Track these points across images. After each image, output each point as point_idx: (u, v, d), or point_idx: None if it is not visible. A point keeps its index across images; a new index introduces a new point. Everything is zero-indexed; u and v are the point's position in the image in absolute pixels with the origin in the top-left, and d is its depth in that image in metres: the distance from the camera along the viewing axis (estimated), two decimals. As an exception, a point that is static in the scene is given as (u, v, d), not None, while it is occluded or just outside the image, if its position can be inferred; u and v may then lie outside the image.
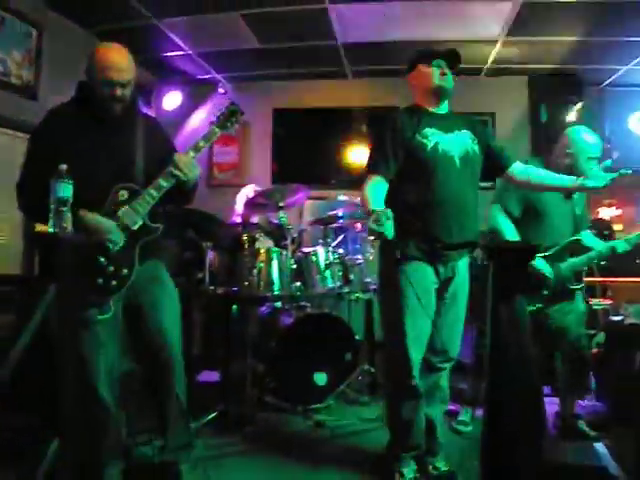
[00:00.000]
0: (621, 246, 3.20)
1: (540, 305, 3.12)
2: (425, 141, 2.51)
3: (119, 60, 2.28)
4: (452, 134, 2.57)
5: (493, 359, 1.67)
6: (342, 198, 5.34)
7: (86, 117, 2.33)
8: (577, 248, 3.22)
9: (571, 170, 3.08)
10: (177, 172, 2.29)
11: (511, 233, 3.11)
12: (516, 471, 1.41)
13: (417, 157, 2.50)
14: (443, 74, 2.56)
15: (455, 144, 2.55)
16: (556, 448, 1.26)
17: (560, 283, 3.14)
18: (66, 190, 2.04)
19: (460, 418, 3.45)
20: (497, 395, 1.62)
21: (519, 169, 2.72)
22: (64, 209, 2.03)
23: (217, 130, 2.45)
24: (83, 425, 2.23)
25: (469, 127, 2.65)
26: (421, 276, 2.51)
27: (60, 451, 1.99)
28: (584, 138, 3.16)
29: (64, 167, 2.04)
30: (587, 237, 3.33)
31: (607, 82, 5.78)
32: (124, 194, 2.29)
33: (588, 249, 3.22)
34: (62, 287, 2.05)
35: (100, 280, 2.21)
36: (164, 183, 2.30)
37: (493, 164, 2.71)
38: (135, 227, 2.29)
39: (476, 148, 2.61)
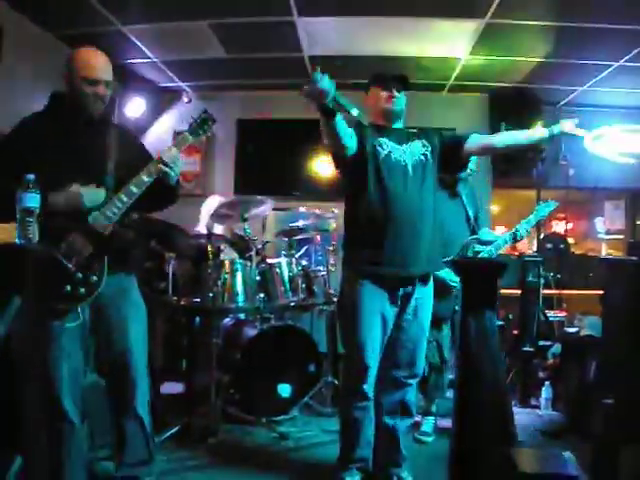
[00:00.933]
0: (522, 230, 3.46)
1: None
2: (379, 149, 2.62)
3: (101, 60, 2.35)
4: (405, 145, 2.69)
5: (464, 371, 1.70)
6: (304, 210, 5.37)
7: (58, 124, 2.32)
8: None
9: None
10: (162, 166, 2.30)
11: None
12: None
13: (372, 163, 2.60)
14: (391, 97, 2.68)
15: (408, 153, 2.67)
16: (524, 457, 1.29)
17: None
18: (32, 200, 2.00)
19: (422, 429, 3.49)
20: (467, 406, 1.65)
21: (477, 137, 2.79)
22: (30, 219, 2.00)
23: (189, 137, 2.43)
24: (46, 438, 2.18)
25: (421, 136, 2.77)
26: (375, 297, 2.60)
27: (23, 468, 1.94)
28: None
29: (31, 177, 2.01)
30: (484, 234, 3.52)
31: (564, 102, 5.99)
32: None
33: (489, 243, 3.41)
34: (28, 294, 2.00)
35: (68, 287, 2.17)
36: (135, 188, 2.28)
37: (451, 148, 2.79)
38: (105, 232, 2.25)
39: (428, 153, 2.71)
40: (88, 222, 2.22)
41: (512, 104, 5.85)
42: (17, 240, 1.99)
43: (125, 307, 2.38)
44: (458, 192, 3.46)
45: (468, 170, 3.30)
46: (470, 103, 6.10)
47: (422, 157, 2.69)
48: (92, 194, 2.24)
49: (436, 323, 3.10)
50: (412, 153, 2.68)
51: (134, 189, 2.28)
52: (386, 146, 2.64)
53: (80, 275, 2.20)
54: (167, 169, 2.31)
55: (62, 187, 2.20)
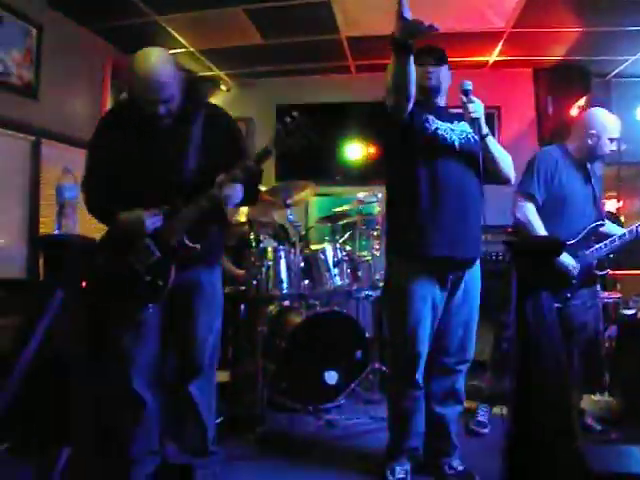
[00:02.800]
0: None
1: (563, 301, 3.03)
2: (427, 124, 2.52)
3: (157, 74, 2.14)
4: (452, 124, 2.57)
5: (520, 357, 1.61)
6: (346, 194, 5.32)
7: (131, 130, 2.28)
8: (600, 233, 3.18)
9: (594, 151, 3.11)
10: (216, 196, 2.25)
11: (541, 228, 3.02)
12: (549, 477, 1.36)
13: (419, 138, 2.50)
14: (427, 73, 2.55)
15: (456, 132, 2.56)
16: (594, 454, 1.19)
17: (585, 272, 3.07)
18: (71, 191, 2.01)
19: (478, 419, 3.36)
20: (525, 395, 1.57)
21: None
22: (69, 210, 2.01)
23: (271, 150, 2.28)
24: (113, 422, 2.25)
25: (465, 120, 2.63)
26: (424, 282, 2.51)
27: (72, 458, 1.95)
28: (605, 119, 3.14)
29: (69, 169, 2.01)
30: (608, 224, 3.30)
31: (613, 73, 5.72)
32: (166, 208, 2.27)
33: (608, 235, 3.18)
34: (70, 283, 2.03)
35: (137, 288, 2.25)
36: (205, 203, 2.26)
37: None
38: (172, 243, 2.26)
39: (476, 136, 2.55)
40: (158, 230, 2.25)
41: (557, 78, 5.66)
42: (56, 231, 1.99)
43: (197, 300, 2.41)
44: (590, 173, 3.21)
45: (610, 151, 3.13)
46: (514, 79, 5.89)
47: (470, 137, 2.56)
48: (155, 220, 2.24)
49: None
50: (460, 132, 2.56)
51: (194, 211, 2.27)
52: (433, 122, 2.52)
53: (148, 278, 2.25)
54: (220, 201, 2.27)
55: (137, 190, 2.25)
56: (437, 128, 2.52)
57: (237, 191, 2.28)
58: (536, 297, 1.60)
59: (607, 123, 3.12)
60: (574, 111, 5.43)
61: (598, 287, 3.28)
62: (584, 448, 1.22)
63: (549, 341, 1.51)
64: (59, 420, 1.93)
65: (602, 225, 3.20)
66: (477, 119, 2.45)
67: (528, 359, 1.56)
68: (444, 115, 2.59)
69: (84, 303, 2.11)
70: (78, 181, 2.08)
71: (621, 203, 5.62)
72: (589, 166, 3.22)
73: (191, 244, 2.27)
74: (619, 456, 1.18)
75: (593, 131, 3.10)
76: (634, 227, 3.13)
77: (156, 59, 2.16)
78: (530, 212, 3.06)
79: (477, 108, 2.45)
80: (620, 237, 3.12)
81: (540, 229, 3.00)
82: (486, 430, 3.29)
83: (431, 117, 2.53)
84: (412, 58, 2.24)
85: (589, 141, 3.11)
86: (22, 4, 4.05)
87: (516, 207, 3.12)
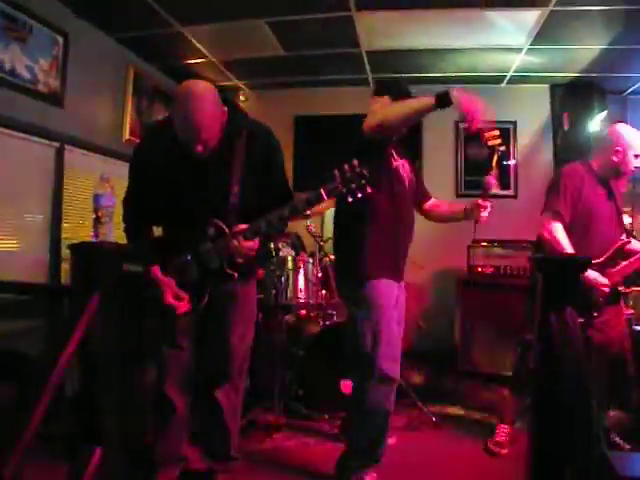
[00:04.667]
0: None
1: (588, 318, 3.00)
2: (392, 159, 2.75)
3: (196, 116, 2.09)
4: (403, 161, 2.84)
5: (542, 373, 1.65)
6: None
7: (178, 151, 2.25)
8: (623, 250, 3.17)
9: (618, 167, 3.12)
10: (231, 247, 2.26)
11: (568, 246, 3.01)
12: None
13: (388, 170, 2.71)
14: None
15: (406, 171, 2.83)
16: (621, 460, 1.22)
17: (611, 289, 3.06)
18: (107, 199, 2.06)
19: (496, 439, 3.27)
20: (547, 412, 1.60)
21: None
22: (105, 219, 2.06)
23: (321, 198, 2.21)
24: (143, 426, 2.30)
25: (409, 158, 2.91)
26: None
27: (105, 459, 2.00)
28: (630, 135, 3.14)
29: (106, 177, 2.07)
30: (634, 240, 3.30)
31: (629, 90, 5.75)
32: (212, 231, 2.27)
33: (633, 252, 3.16)
34: (109, 290, 2.07)
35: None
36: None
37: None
38: (211, 267, 2.28)
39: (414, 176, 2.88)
40: (199, 250, 2.28)
41: (574, 95, 5.69)
42: (93, 239, 2.05)
43: (232, 310, 2.47)
44: (612, 189, 3.22)
45: (632, 166, 3.13)
46: (531, 94, 5.92)
47: (412, 177, 2.84)
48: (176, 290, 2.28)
49: None
50: (407, 171, 2.81)
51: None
52: (396, 158, 2.75)
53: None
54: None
55: (181, 209, 2.32)
56: (397, 165, 2.74)
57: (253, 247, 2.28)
58: (561, 312, 1.64)
59: (632, 139, 3.12)
60: (594, 126, 5.48)
61: (623, 304, 3.28)
62: (609, 455, 1.25)
63: (573, 356, 1.55)
64: (92, 421, 1.97)
65: (629, 242, 3.18)
66: None
67: (551, 374, 1.59)
68: (400, 151, 2.82)
69: (121, 309, 2.16)
70: (114, 189, 2.14)
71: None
72: (611, 183, 3.23)
73: (230, 270, 2.29)
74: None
75: (619, 148, 3.10)
76: None
77: (199, 100, 2.10)
78: (557, 230, 3.06)
79: None
80: None
81: (568, 247, 2.99)
82: (505, 451, 3.21)
83: (394, 152, 2.75)
84: None
85: (614, 158, 3.12)
86: (49, 13, 4.11)
87: (543, 226, 3.11)
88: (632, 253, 3.15)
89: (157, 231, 2.52)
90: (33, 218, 4.09)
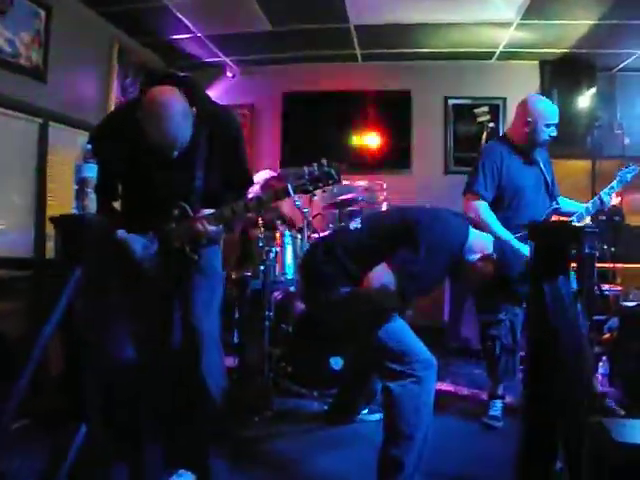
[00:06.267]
0: (606, 196, 3.27)
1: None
2: None
3: (170, 130, 2.13)
4: None
5: (541, 344, 1.63)
6: (352, 182, 5.33)
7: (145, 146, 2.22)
8: (562, 214, 3.32)
9: (532, 137, 3.17)
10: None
11: (494, 222, 3.09)
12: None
13: None
14: None
15: None
16: (618, 426, 1.21)
17: None
18: (90, 171, 2.02)
19: (491, 413, 3.30)
20: (541, 386, 1.58)
21: None
22: (88, 189, 2.01)
23: (290, 191, 2.22)
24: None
25: None
26: None
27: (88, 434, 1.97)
28: (540, 105, 3.20)
29: (89, 148, 2.02)
30: (564, 203, 3.39)
31: (619, 67, 5.73)
32: (176, 212, 2.28)
33: (570, 214, 3.28)
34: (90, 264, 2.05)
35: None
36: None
37: None
38: (173, 247, 2.29)
39: None
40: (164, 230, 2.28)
41: (563, 71, 5.67)
42: (74, 210, 2.00)
43: (194, 276, 2.41)
44: (534, 159, 3.26)
45: (548, 137, 3.18)
46: (521, 70, 5.89)
47: None
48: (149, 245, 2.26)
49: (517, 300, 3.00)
50: None
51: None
52: None
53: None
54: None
55: (147, 192, 2.30)
56: None
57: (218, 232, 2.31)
58: (554, 280, 1.62)
59: (542, 109, 3.18)
60: (584, 103, 5.48)
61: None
62: (604, 421, 1.24)
63: (569, 325, 1.53)
64: (76, 396, 1.94)
65: (557, 208, 3.29)
66: None
67: (548, 344, 1.57)
68: None
69: (104, 282, 2.12)
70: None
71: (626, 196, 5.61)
72: (535, 153, 3.28)
73: (190, 253, 2.31)
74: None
75: (529, 119, 3.16)
76: (596, 198, 3.28)
77: (169, 111, 2.12)
78: (480, 209, 3.13)
79: None
80: (587, 210, 3.27)
81: (494, 224, 3.07)
82: (500, 424, 3.24)
83: None
84: None
85: (525, 129, 3.18)
86: (31, -15, 4.03)
87: (466, 206, 3.19)
88: (570, 215, 3.30)
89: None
90: (17, 196, 4.03)
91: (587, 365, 1.59)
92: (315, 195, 3.94)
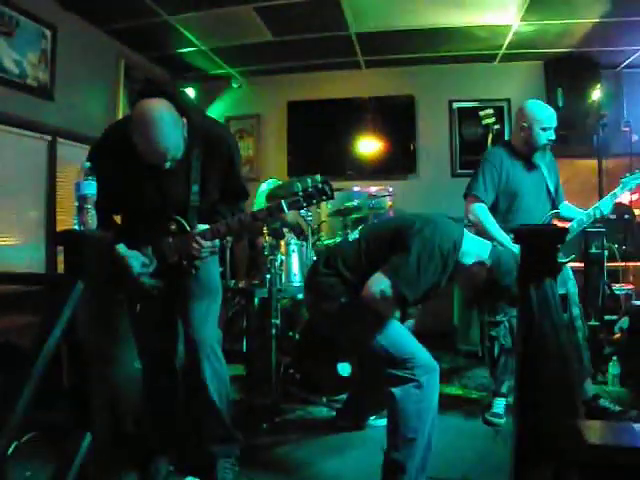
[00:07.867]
0: (606, 206, 3.25)
1: None
2: None
3: (160, 142, 2.14)
4: None
5: (527, 346, 1.64)
6: (358, 189, 5.36)
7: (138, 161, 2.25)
8: (563, 219, 3.31)
9: (530, 142, 3.20)
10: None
11: (493, 225, 3.12)
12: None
13: None
14: None
15: None
16: (592, 429, 1.22)
17: None
18: (89, 188, 2.06)
19: (493, 410, 3.35)
20: (530, 387, 1.59)
21: None
22: (88, 206, 2.05)
23: (284, 207, 2.23)
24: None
25: None
26: None
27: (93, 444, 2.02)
28: (535, 110, 3.22)
29: (88, 165, 2.07)
30: (565, 209, 3.38)
31: (624, 64, 5.70)
32: (173, 226, 2.32)
33: (571, 220, 3.27)
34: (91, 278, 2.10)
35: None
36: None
37: None
38: (170, 261, 2.33)
39: None
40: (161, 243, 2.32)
41: (568, 70, 5.65)
42: (75, 227, 2.04)
43: (192, 287, 2.46)
44: (535, 163, 3.28)
45: (546, 140, 3.19)
46: (524, 71, 5.89)
47: None
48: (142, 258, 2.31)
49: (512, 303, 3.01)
50: None
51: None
52: None
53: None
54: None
55: (141, 207, 2.34)
56: None
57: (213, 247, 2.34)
58: (540, 283, 1.64)
59: (537, 114, 3.20)
60: (589, 101, 5.46)
61: (571, 274, 3.34)
62: (581, 423, 1.25)
63: (553, 326, 1.55)
64: (81, 406, 1.99)
65: (557, 213, 3.30)
66: None
67: (533, 344, 1.59)
68: None
69: (106, 296, 2.17)
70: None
71: (635, 196, 5.58)
72: (536, 157, 3.28)
73: (188, 267, 2.35)
74: (617, 431, 1.21)
75: (524, 124, 3.19)
76: (590, 211, 3.26)
77: (158, 124, 2.13)
78: (479, 212, 3.17)
79: None
80: (587, 216, 3.25)
81: (492, 227, 3.11)
82: (502, 421, 3.27)
83: None
84: None
85: (522, 134, 3.22)
86: (36, 6, 4.11)
87: (466, 209, 3.24)
88: (568, 221, 3.28)
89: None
90: (29, 212, 4.12)
91: (571, 369, 1.60)
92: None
